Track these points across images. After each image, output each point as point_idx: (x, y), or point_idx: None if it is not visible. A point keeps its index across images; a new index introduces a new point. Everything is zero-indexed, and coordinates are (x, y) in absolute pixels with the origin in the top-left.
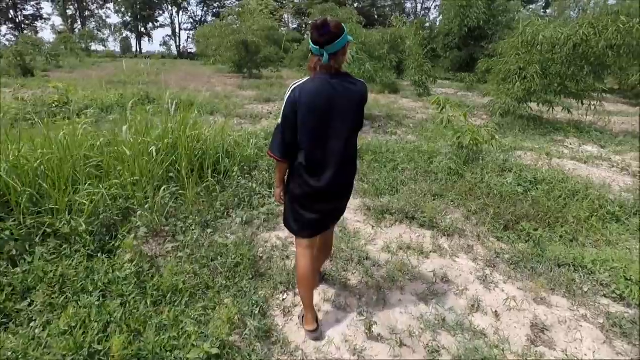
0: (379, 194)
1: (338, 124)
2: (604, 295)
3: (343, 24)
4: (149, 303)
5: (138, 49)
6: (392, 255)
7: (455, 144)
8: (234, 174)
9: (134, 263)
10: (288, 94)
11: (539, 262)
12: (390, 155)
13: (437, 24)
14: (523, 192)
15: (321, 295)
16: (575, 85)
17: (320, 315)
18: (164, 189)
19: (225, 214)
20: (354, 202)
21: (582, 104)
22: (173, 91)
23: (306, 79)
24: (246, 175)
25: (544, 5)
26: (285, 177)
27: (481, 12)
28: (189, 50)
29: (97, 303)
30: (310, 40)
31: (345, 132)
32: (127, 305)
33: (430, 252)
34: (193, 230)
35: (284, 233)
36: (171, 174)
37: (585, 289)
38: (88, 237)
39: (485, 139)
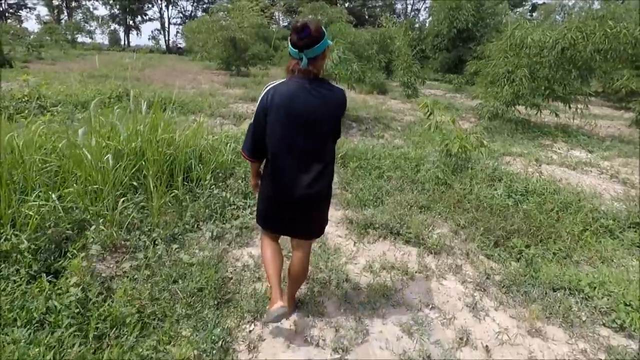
0: (362, 206)
1: (310, 131)
2: (604, 325)
3: (323, 28)
4: (90, 338)
5: (126, 43)
6: (375, 276)
7: (443, 151)
8: (207, 182)
9: (81, 287)
10: (262, 94)
11: (533, 284)
12: (376, 162)
13: (427, 25)
14: (514, 204)
15: (292, 327)
16: (562, 89)
17: (290, 354)
18: (126, 199)
19: (195, 226)
20: (336, 214)
21: (570, 107)
22: (156, 87)
23: (281, 80)
24: (220, 184)
25: (530, 8)
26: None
27: (470, 14)
28: (179, 45)
29: (26, 339)
30: (289, 43)
31: (318, 140)
32: (63, 342)
33: (416, 272)
34: (157, 245)
35: (257, 249)
36: (138, 181)
37: (583, 318)
38: (31, 255)
39: (474, 145)
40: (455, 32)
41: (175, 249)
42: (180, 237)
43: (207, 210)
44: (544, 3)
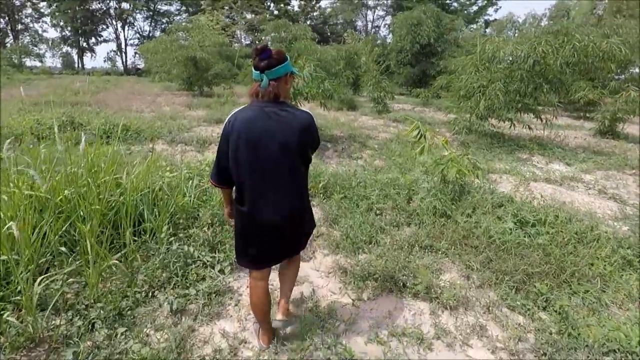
0: (355, 249)
1: (271, 155)
2: None
3: (286, 54)
4: None
5: (80, 65)
6: (383, 348)
7: (439, 178)
8: (164, 233)
9: None
10: (225, 121)
11: (575, 347)
12: (362, 191)
13: (388, 41)
14: (528, 238)
15: None
16: (533, 102)
17: None
18: (53, 268)
19: (150, 294)
20: (325, 262)
21: (541, 119)
22: (107, 113)
23: (244, 106)
24: (181, 234)
25: (483, 24)
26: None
27: (431, 30)
28: (137, 67)
29: None
30: (252, 67)
31: (281, 163)
32: None
33: (433, 338)
34: (96, 330)
35: (232, 324)
36: (72, 240)
37: None
38: None
39: (468, 168)
40: (418, 48)
41: (122, 333)
42: (129, 313)
43: (164, 273)
44: (495, 20)
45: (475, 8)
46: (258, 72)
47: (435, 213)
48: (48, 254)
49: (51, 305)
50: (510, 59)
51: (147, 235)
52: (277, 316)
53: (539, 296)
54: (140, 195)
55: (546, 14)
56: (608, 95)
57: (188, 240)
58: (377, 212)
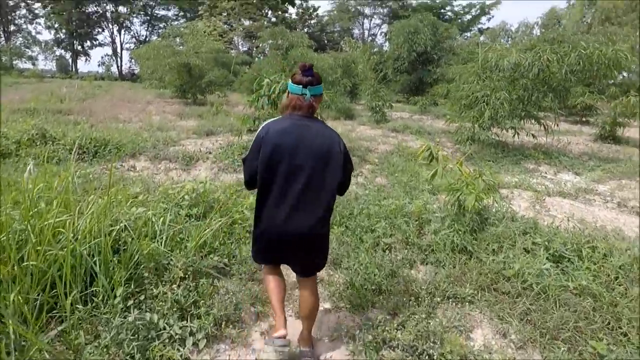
0: (363, 302)
1: (301, 168)
2: None
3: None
4: None
5: (74, 69)
6: None
7: (454, 206)
8: (118, 297)
9: None
10: (259, 130)
11: None
12: (366, 221)
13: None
14: (568, 279)
15: None
16: (536, 110)
17: None
18: None
19: None
20: (328, 320)
21: (544, 127)
22: (87, 125)
23: (278, 117)
24: (143, 295)
25: (477, 33)
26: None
27: (427, 38)
28: (134, 72)
29: None
30: (290, 82)
31: (310, 178)
32: None
33: None
34: None
35: None
36: None
37: None
38: None
39: (485, 191)
40: (415, 55)
41: None
42: None
43: (117, 356)
44: (488, 28)
45: (469, 17)
46: (300, 86)
47: (453, 249)
48: None
49: None
50: (513, 67)
51: (100, 298)
52: (299, 345)
53: (596, 358)
54: (95, 242)
55: (538, 22)
56: (607, 100)
57: (153, 303)
58: (385, 247)
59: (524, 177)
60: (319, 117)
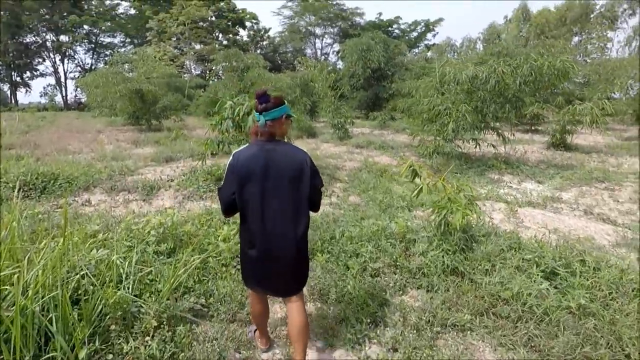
0: (360, 338)
1: (273, 189)
2: None
3: (284, 100)
4: None
5: (13, 101)
6: None
7: (439, 224)
8: None
9: None
10: (230, 160)
11: None
12: (349, 245)
13: (338, 67)
14: (565, 298)
15: None
16: (494, 120)
17: None
18: None
19: None
20: None
21: (503, 137)
22: (32, 159)
23: (246, 145)
24: (111, 353)
25: (425, 48)
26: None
27: (380, 54)
28: (80, 101)
29: None
30: (254, 111)
31: (282, 198)
32: None
33: None
34: None
35: None
36: None
37: None
38: None
39: (467, 207)
40: (370, 72)
41: None
42: None
43: None
44: (434, 44)
45: (415, 34)
46: (257, 113)
47: (444, 270)
48: None
49: None
50: (470, 80)
51: None
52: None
53: None
54: (50, 296)
55: (480, 37)
56: (555, 109)
57: None
58: (373, 272)
59: (491, 187)
60: (287, 139)
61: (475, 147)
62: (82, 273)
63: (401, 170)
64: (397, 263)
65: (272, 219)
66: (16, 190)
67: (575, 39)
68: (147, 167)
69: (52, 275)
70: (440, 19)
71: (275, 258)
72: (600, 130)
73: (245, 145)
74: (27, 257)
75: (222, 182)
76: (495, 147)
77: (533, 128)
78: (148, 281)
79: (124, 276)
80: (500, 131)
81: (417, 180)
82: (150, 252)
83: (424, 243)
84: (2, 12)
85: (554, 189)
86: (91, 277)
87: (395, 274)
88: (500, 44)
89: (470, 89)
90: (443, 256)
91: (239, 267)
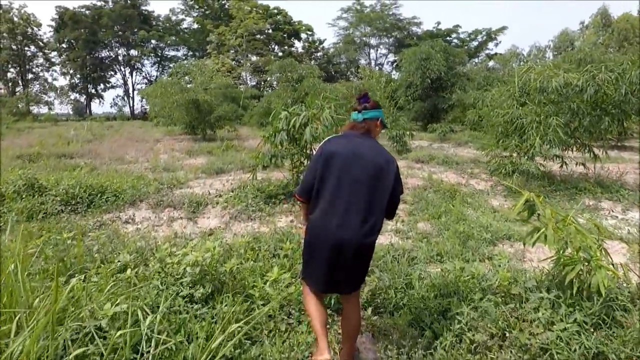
0: None
1: (352, 180)
2: None
3: (380, 104)
4: None
5: (88, 112)
6: None
7: (569, 283)
8: None
9: None
10: (321, 144)
11: None
12: (432, 299)
13: (395, 77)
14: None
15: None
16: (586, 135)
17: None
18: None
19: None
20: None
21: (595, 155)
22: (91, 168)
23: (335, 135)
24: None
25: (485, 59)
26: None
27: (440, 64)
28: (145, 110)
29: None
30: (352, 112)
31: (362, 188)
32: None
33: None
34: None
35: None
36: None
37: None
38: None
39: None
40: (429, 82)
41: None
42: None
43: None
44: (496, 54)
45: (475, 43)
46: (356, 112)
47: (585, 356)
48: None
49: None
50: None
51: None
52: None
53: None
54: None
55: (550, 45)
56: None
57: None
58: (474, 348)
59: (589, 217)
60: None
61: (561, 166)
62: (89, 334)
63: (514, 207)
64: (509, 337)
65: (343, 208)
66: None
67: None
68: (197, 179)
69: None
70: (504, 27)
71: (342, 246)
72: None
73: (335, 135)
74: (15, 321)
75: (309, 165)
76: (585, 167)
77: (619, 144)
78: (174, 347)
79: (143, 338)
80: (591, 148)
81: (532, 215)
82: (183, 295)
83: (546, 309)
84: (82, 30)
85: None
86: (99, 342)
87: (508, 354)
88: (584, 51)
89: (557, 100)
90: (580, 333)
91: (289, 320)
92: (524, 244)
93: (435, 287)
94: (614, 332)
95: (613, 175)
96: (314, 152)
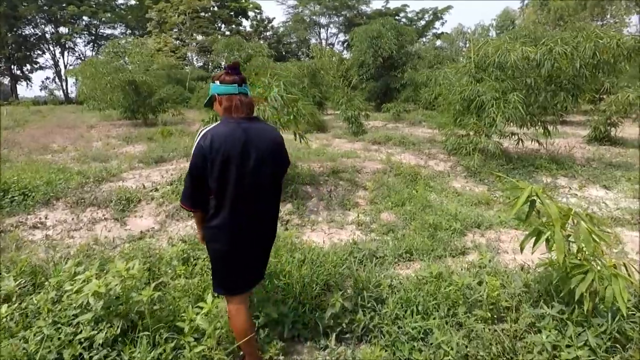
0: None
1: (255, 169)
2: None
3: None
4: None
5: (14, 95)
6: None
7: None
8: None
9: None
10: (197, 140)
11: None
12: (412, 322)
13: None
14: None
15: None
16: (542, 112)
17: None
18: None
19: None
20: None
21: (548, 132)
22: (4, 161)
23: (216, 123)
24: None
25: (432, 38)
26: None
27: (392, 42)
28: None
29: None
30: (219, 83)
31: (262, 177)
32: None
33: None
34: None
35: None
36: None
37: None
38: None
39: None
40: (381, 61)
41: None
42: None
43: None
44: (442, 33)
45: (422, 22)
46: (236, 85)
47: None
48: None
49: None
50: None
51: None
52: None
53: None
54: None
55: (492, 24)
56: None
57: None
58: None
59: (549, 193)
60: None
61: (517, 143)
62: None
63: (514, 204)
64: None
65: (253, 202)
66: None
67: (594, 24)
68: (132, 170)
69: None
70: (449, 7)
71: (256, 243)
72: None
73: (214, 124)
74: None
75: (190, 167)
76: (541, 144)
77: (561, 119)
78: None
79: None
80: (545, 124)
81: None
82: (80, 343)
83: (550, 330)
84: None
85: (627, 197)
86: None
87: None
88: (528, 28)
89: (514, 75)
90: (588, 355)
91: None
92: (522, 249)
93: (410, 302)
94: (631, 357)
95: (562, 150)
96: (196, 148)
